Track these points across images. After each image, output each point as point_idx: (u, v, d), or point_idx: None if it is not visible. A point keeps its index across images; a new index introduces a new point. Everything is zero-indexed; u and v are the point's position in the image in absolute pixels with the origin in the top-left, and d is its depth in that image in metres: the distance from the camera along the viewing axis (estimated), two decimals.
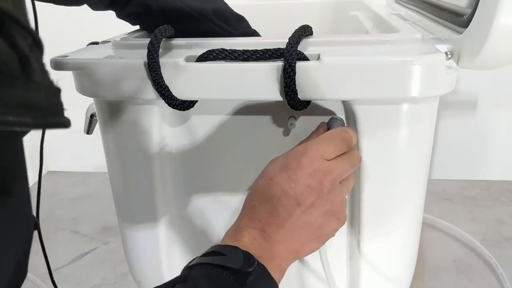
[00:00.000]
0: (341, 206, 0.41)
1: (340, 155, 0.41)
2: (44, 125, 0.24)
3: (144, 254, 0.59)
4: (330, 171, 0.39)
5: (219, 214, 0.56)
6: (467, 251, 0.87)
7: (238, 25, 0.60)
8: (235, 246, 0.37)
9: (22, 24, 0.22)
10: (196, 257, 0.38)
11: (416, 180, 0.51)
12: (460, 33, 0.44)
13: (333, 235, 0.42)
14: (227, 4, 0.61)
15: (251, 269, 0.36)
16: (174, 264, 0.59)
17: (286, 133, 0.51)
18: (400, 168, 0.49)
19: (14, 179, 0.33)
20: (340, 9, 0.88)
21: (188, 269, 0.37)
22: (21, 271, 0.37)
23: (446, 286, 0.78)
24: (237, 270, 0.35)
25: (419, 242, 0.58)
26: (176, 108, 0.46)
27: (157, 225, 0.56)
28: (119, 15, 0.55)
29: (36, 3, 0.46)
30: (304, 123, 0.50)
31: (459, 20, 0.46)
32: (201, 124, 0.52)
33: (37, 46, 0.24)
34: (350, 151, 0.43)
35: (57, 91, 0.25)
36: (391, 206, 0.51)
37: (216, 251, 0.37)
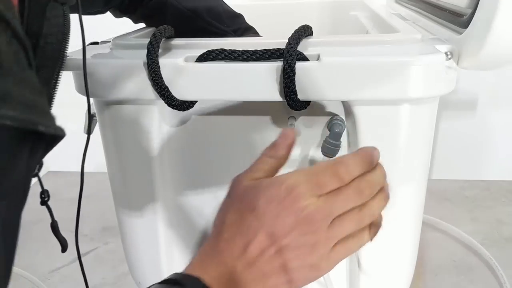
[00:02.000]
0: (324, 252, 0.34)
1: (332, 191, 0.34)
2: (31, 123, 0.23)
3: (144, 254, 0.59)
4: (316, 210, 0.33)
5: None
6: (467, 252, 0.87)
7: (231, 22, 0.60)
8: (197, 278, 0.33)
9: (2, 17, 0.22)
10: (154, 284, 0.35)
11: (416, 180, 0.51)
12: (460, 33, 0.44)
13: (303, 285, 0.35)
14: (222, 2, 0.62)
15: None
16: (174, 264, 0.59)
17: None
18: (400, 168, 0.49)
19: None
20: (340, 9, 0.88)
21: None
22: None
23: (446, 286, 0.78)
24: None
25: (419, 242, 0.58)
26: (176, 109, 0.46)
27: (157, 225, 0.56)
28: (135, 21, 0.61)
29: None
30: (304, 123, 0.50)
31: (459, 20, 0.46)
32: (201, 124, 0.51)
33: (18, 40, 0.23)
34: (347, 187, 0.34)
35: (42, 91, 0.24)
36: (391, 206, 0.51)
37: (176, 280, 0.33)
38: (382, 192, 0.36)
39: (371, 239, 0.37)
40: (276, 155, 0.38)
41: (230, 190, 0.38)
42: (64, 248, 0.47)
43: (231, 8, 0.63)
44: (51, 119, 0.25)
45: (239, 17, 0.63)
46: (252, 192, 0.35)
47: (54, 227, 0.50)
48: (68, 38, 0.37)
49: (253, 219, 0.34)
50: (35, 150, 0.27)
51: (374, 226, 0.36)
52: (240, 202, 0.36)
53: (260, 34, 0.65)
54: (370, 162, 0.35)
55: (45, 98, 0.24)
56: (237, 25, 0.62)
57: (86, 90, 0.43)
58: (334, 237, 0.34)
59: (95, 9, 0.55)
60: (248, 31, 0.64)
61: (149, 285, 0.35)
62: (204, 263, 0.35)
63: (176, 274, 0.35)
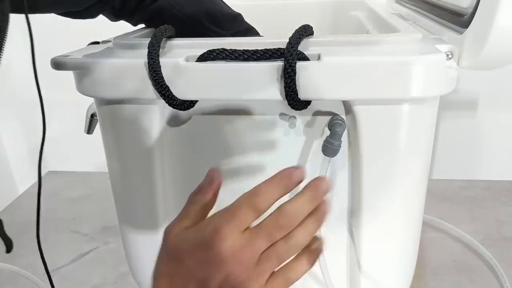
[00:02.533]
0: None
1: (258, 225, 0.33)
2: None
3: (145, 254, 0.59)
4: (243, 249, 0.32)
5: None
6: (467, 251, 0.87)
7: (231, 25, 0.60)
8: None
9: None
10: None
11: (416, 180, 0.51)
12: (461, 33, 0.44)
13: None
14: (220, 4, 0.61)
15: None
16: None
17: (286, 133, 0.51)
18: (400, 168, 0.49)
19: None
20: (340, 9, 0.88)
21: None
22: None
23: (446, 286, 0.78)
24: None
25: (419, 242, 0.58)
26: (177, 108, 0.46)
27: (157, 225, 0.56)
28: (134, 25, 0.60)
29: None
30: (305, 123, 0.50)
31: (460, 20, 0.46)
32: (202, 124, 0.51)
33: None
34: (271, 218, 0.33)
35: None
36: (391, 206, 0.51)
37: None
38: (312, 215, 0.34)
39: (311, 266, 0.35)
40: (202, 201, 0.37)
41: (162, 242, 0.36)
42: (8, 249, 0.46)
43: (230, 9, 0.62)
44: None
45: (238, 18, 0.63)
46: (180, 244, 0.34)
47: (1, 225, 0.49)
48: (4, 36, 0.36)
49: (183, 271, 0.33)
50: None
51: (312, 252, 0.35)
52: (170, 254, 0.35)
53: (258, 31, 0.65)
54: (289, 184, 0.33)
55: None
56: (236, 28, 0.61)
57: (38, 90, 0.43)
58: (264, 272, 0.33)
59: (81, 14, 0.52)
60: (248, 32, 0.63)
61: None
62: None
63: None
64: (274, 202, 0.33)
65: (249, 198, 0.33)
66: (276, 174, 0.34)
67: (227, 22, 0.59)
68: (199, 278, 0.33)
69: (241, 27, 0.62)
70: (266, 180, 0.34)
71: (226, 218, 0.33)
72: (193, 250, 0.33)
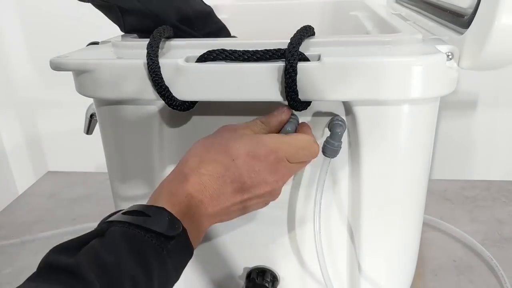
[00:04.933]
0: (280, 190, 0.43)
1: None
2: None
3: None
4: (288, 173, 0.42)
5: None
6: (467, 251, 0.87)
7: (202, 25, 0.57)
8: (162, 208, 0.35)
9: None
10: (117, 212, 0.36)
11: (416, 180, 0.51)
12: (461, 33, 0.44)
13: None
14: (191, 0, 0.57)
15: (174, 234, 0.34)
16: None
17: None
18: (400, 169, 0.49)
19: None
20: (340, 9, 0.88)
21: (107, 224, 0.35)
22: None
23: (446, 286, 0.78)
24: (160, 234, 0.34)
25: (419, 242, 0.58)
26: (176, 109, 0.46)
27: None
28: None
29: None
30: None
31: (460, 21, 0.46)
32: (202, 124, 0.51)
33: None
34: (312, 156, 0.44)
35: None
36: (391, 207, 0.51)
37: (140, 211, 0.35)
38: None
39: None
40: (268, 123, 0.44)
41: (217, 133, 0.42)
42: None
43: (201, 5, 0.58)
44: None
45: (209, 16, 0.59)
46: (237, 142, 0.40)
47: None
48: None
49: (232, 167, 0.39)
50: None
51: None
52: (223, 144, 0.40)
53: (260, 35, 0.63)
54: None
55: None
56: (207, 28, 0.58)
57: None
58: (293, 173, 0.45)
59: None
60: (219, 32, 0.61)
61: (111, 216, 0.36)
62: (174, 195, 0.37)
63: (140, 205, 0.36)
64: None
65: (314, 146, 0.44)
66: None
67: (198, 20, 0.56)
68: (244, 182, 0.39)
69: (212, 27, 0.59)
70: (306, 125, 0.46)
71: (287, 148, 0.41)
72: (249, 156, 0.39)
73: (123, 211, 0.36)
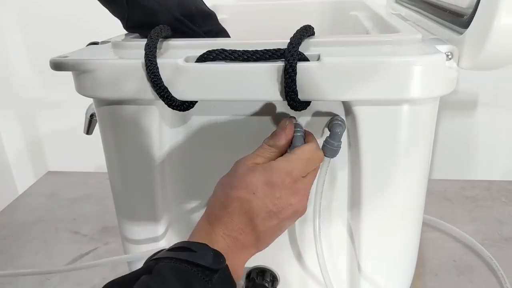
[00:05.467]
0: (305, 206, 0.44)
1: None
2: None
3: (144, 254, 0.59)
4: (307, 187, 0.44)
5: None
6: (467, 251, 0.87)
7: (204, 23, 0.58)
8: (204, 244, 0.38)
9: None
10: (162, 250, 0.38)
11: (416, 180, 0.51)
12: (461, 33, 0.44)
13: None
14: None
15: (219, 267, 0.36)
16: None
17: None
18: (400, 169, 0.49)
19: None
20: (340, 9, 0.88)
21: (154, 261, 0.37)
22: None
23: (446, 286, 0.78)
24: (206, 267, 0.36)
25: (419, 242, 0.58)
26: (176, 109, 0.46)
27: (157, 225, 0.56)
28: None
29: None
30: (304, 124, 0.50)
31: (460, 21, 0.46)
32: (201, 124, 0.51)
33: None
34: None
35: None
36: (391, 207, 0.51)
37: (185, 247, 0.37)
38: None
39: None
40: (276, 145, 0.44)
41: (233, 170, 0.44)
42: None
43: (204, 6, 0.59)
44: None
45: (211, 17, 0.60)
46: (254, 175, 0.41)
47: None
48: None
49: (255, 200, 0.40)
50: None
51: None
52: (241, 181, 0.41)
53: (260, 35, 0.64)
54: None
55: None
56: (208, 26, 0.59)
57: None
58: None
59: None
60: (220, 34, 0.61)
61: (156, 252, 0.38)
62: (209, 237, 0.39)
63: (184, 242, 0.39)
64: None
65: (318, 151, 0.45)
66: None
67: (200, 18, 0.57)
68: (270, 210, 0.41)
69: (213, 27, 0.60)
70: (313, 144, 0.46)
71: (299, 165, 0.43)
72: (268, 185, 0.41)
73: (167, 248, 0.38)
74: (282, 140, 0.45)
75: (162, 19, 0.52)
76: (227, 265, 0.38)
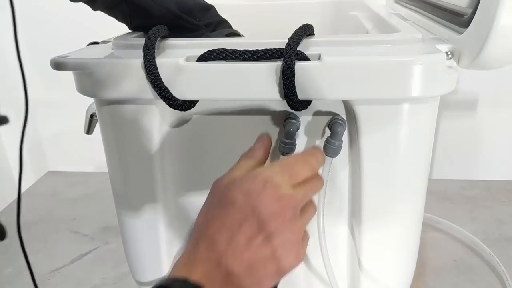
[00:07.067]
0: (300, 238, 0.36)
1: (303, 181, 0.38)
2: None
3: (145, 254, 0.59)
4: (293, 198, 0.36)
5: None
6: (467, 251, 0.87)
7: (203, 16, 0.57)
8: (185, 280, 0.33)
9: None
10: None
11: (416, 180, 0.51)
12: (461, 33, 0.44)
13: (288, 272, 0.36)
14: None
15: None
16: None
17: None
18: (400, 168, 0.49)
19: None
20: (340, 9, 0.88)
21: None
22: None
23: (447, 286, 0.78)
24: None
25: (419, 242, 0.58)
26: (177, 109, 0.46)
27: (158, 225, 0.56)
28: (94, 8, 0.53)
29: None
30: (305, 123, 0.50)
31: (460, 20, 0.46)
32: (202, 124, 0.51)
33: None
34: (314, 176, 0.39)
35: None
36: (391, 206, 0.51)
37: (164, 286, 0.33)
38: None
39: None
40: (253, 156, 0.41)
41: (211, 191, 0.39)
42: (1, 237, 0.45)
43: (200, 0, 0.59)
44: None
45: (210, 9, 0.60)
46: (231, 188, 0.37)
47: None
48: None
49: (235, 212, 0.35)
50: None
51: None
52: (220, 198, 0.37)
53: (260, 35, 0.64)
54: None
55: None
56: (208, 19, 0.58)
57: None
58: (306, 222, 0.37)
59: None
60: (221, 24, 0.61)
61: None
62: (190, 263, 0.35)
63: (162, 279, 0.34)
64: (321, 166, 0.40)
65: (306, 157, 0.39)
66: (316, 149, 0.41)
67: (199, 12, 0.56)
68: (253, 220, 0.35)
69: (213, 19, 0.60)
70: (314, 148, 0.41)
71: (281, 169, 0.37)
72: (246, 195, 0.36)
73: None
74: (260, 151, 0.41)
75: (161, 17, 0.52)
76: None
